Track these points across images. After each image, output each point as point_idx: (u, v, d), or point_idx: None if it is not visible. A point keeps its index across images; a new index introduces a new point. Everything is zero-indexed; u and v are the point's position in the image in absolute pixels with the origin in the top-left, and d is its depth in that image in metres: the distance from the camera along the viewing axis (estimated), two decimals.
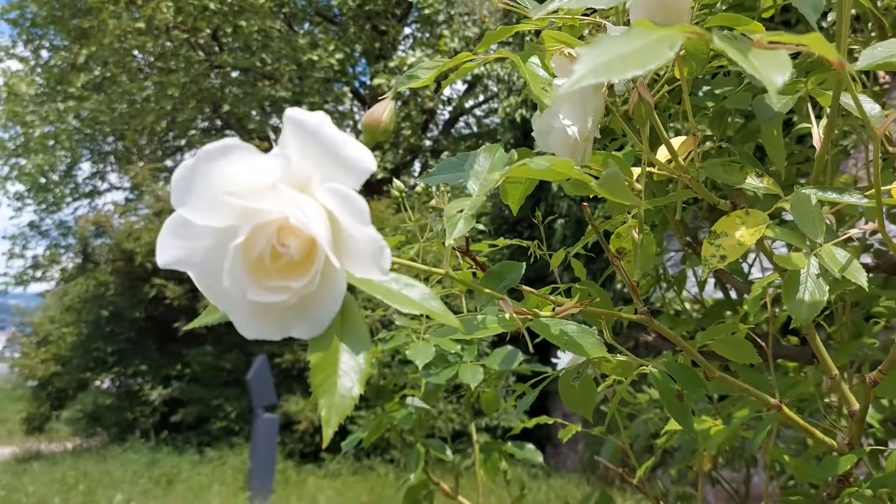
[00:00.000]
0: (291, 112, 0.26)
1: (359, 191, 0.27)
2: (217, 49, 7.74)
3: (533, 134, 0.48)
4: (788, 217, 0.53)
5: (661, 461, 1.16)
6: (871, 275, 0.63)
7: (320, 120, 0.26)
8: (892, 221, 0.80)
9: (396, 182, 0.69)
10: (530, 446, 1.01)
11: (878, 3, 0.66)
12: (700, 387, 0.48)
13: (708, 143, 0.64)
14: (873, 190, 0.44)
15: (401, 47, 8.08)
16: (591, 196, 0.46)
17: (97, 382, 5.64)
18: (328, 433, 0.25)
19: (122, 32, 6.97)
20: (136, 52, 7.56)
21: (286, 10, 7.76)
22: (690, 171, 0.47)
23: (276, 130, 8.31)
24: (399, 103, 7.42)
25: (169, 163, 8.69)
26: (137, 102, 7.37)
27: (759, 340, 0.67)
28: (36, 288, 7.86)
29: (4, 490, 3.92)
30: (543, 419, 0.88)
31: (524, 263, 0.47)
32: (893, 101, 1.18)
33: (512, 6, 0.49)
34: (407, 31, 8.23)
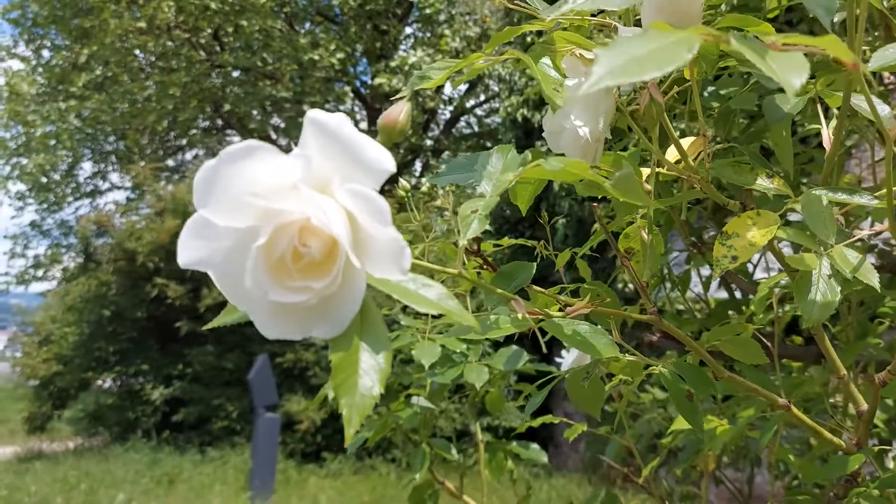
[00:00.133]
0: (312, 113, 0.26)
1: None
2: (218, 48, 7.74)
3: (543, 134, 0.48)
4: (792, 217, 0.53)
5: (663, 461, 1.16)
6: None
7: (341, 121, 0.27)
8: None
9: (402, 182, 0.69)
10: (535, 446, 1.02)
11: (885, 3, 0.66)
12: (709, 387, 0.48)
13: (714, 145, 0.65)
14: (883, 191, 0.44)
15: (402, 47, 8.08)
16: (597, 196, 0.46)
17: (99, 382, 5.65)
18: (350, 432, 0.26)
19: (124, 32, 6.97)
20: (137, 52, 7.57)
21: (287, 10, 7.76)
22: (700, 171, 0.47)
23: (277, 130, 8.32)
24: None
25: (170, 162, 8.70)
26: (139, 102, 7.37)
27: (764, 341, 0.67)
28: (37, 287, 7.87)
29: (7, 490, 3.92)
30: (549, 419, 0.88)
31: (534, 264, 0.47)
32: None
33: (519, 7, 0.50)
34: (408, 30, 8.24)
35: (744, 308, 0.87)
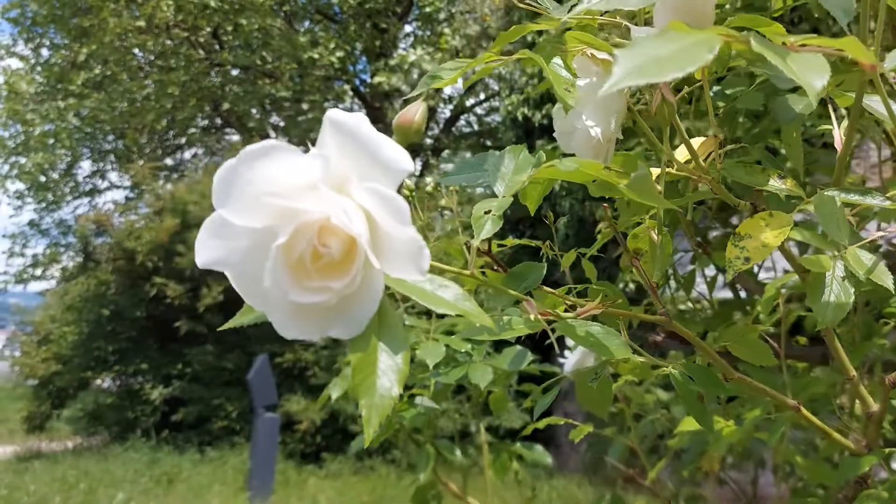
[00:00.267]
0: (332, 113, 0.26)
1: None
2: (217, 47, 7.73)
3: (554, 135, 0.48)
4: (797, 217, 0.53)
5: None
6: None
7: (359, 121, 0.26)
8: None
9: (406, 182, 0.69)
10: (539, 447, 1.01)
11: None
12: (720, 388, 0.48)
13: (724, 145, 0.65)
14: (894, 192, 0.44)
15: (401, 45, 8.08)
16: (600, 197, 0.46)
17: (98, 381, 5.64)
18: (369, 433, 0.25)
19: (123, 31, 6.96)
20: (136, 51, 7.55)
21: (286, 9, 7.75)
22: (711, 172, 0.47)
23: (277, 128, 8.31)
24: (400, 102, 7.42)
25: (169, 161, 8.69)
26: (137, 101, 7.36)
27: (770, 341, 0.67)
28: (36, 287, 7.85)
29: (6, 489, 3.91)
30: (554, 420, 0.88)
31: (545, 264, 0.47)
32: None
33: (529, 6, 0.49)
34: (408, 28, 8.23)
35: (748, 308, 0.87)
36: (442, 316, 1.03)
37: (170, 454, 4.79)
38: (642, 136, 0.50)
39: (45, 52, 8.05)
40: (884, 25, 0.69)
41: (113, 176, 8.90)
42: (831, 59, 0.37)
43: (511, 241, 0.77)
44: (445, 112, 8.56)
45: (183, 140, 8.65)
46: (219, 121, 8.52)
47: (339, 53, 7.23)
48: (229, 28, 7.32)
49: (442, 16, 7.27)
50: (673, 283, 0.93)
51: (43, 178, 8.21)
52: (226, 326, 0.31)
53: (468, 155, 7.52)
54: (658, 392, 1.23)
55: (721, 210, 0.91)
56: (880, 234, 0.43)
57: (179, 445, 5.00)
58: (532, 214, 0.52)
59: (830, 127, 0.47)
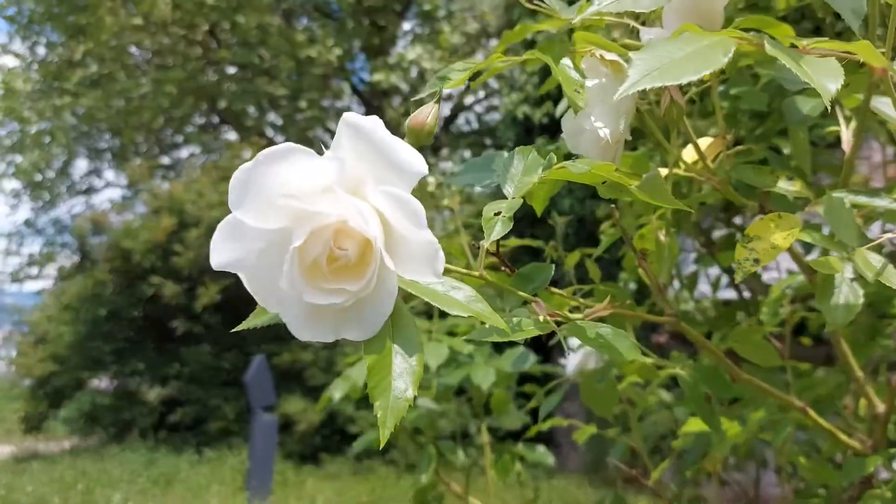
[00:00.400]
0: (348, 116, 0.26)
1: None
2: (215, 45, 7.71)
3: (562, 135, 0.47)
4: (802, 218, 0.53)
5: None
6: None
7: (375, 124, 0.26)
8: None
9: None
10: (541, 448, 1.01)
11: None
12: (727, 389, 0.48)
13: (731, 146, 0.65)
14: None
15: (400, 43, 8.06)
16: (603, 197, 0.46)
17: (95, 382, 5.62)
18: (385, 434, 0.25)
19: (119, 29, 6.93)
20: (133, 49, 7.53)
21: (284, 6, 7.73)
22: (719, 172, 0.47)
23: (274, 127, 8.29)
24: (399, 100, 7.42)
25: (166, 160, 8.66)
26: (134, 99, 7.33)
27: (774, 342, 0.67)
28: (32, 286, 7.83)
29: (4, 490, 3.90)
30: (557, 421, 0.88)
31: (552, 265, 0.47)
32: None
33: (537, 6, 0.49)
34: (406, 26, 8.21)
35: (752, 308, 0.87)
36: (444, 316, 1.03)
37: (167, 454, 4.78)
38: (650, 135, 0.50)
39: (41, 49, 8.02)
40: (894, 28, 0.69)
41: (109, 175, 8.90)
42: (842, 61, 0.37)
43: (514, 241, 0.77)
44: (445, 111, 8.55)
45: (180, 138, 8.62)
46: (216, 119, 8.49)
47: (338, 51, 7.21)
48: (227, 26, 7.30)
49: (441, 13, 7.26)
50: (676, 284, 0.93)
51: (39, 177, 8.17)
52: (240, 328, 0.31)
53: (467, 154, 7.50)
54: (660, 393, 1.23)
55: (724, 210, 0.91)
56: (889, 235, 0.43)
57: (177, 446, 4.99)
58: (539, 215, 0.52)
59: (838, 129, 0.47)
